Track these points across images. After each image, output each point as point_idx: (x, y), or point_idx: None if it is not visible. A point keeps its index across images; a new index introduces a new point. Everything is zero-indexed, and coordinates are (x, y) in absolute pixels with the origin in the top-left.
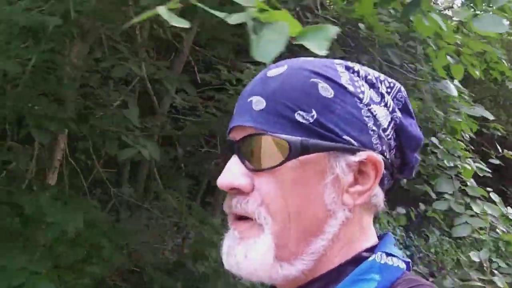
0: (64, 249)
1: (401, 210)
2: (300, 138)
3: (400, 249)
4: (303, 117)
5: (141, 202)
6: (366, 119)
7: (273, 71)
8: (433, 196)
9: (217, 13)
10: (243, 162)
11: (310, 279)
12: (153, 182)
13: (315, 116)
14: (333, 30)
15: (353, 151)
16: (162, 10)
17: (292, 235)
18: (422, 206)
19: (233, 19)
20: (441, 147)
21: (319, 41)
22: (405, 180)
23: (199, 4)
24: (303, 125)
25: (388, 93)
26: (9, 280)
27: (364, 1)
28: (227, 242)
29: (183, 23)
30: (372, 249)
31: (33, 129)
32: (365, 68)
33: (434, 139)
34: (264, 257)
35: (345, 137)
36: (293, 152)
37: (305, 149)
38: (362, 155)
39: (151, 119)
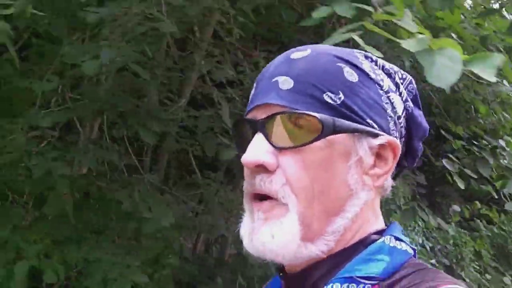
0: (149, 243)
1: (456, 208)
2: (331, 117)
3: (422, 240)
4: (331, 98)
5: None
6: (385, 105)
7: (297, 54)
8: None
9: (397, 40)
10: (268, 140)
11: (324, 256)
12: (173, 171)
13: (342, 98)
14: (499, 59)
15: (375, 135)
16: (357, 38)
17: (315, 214)
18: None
19: (411, 46)
20: (508, 149)
21: (487, 68)
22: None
23: (377, 30)
24: (331, 106)
25: (402, 83)
26: (104, 273)
27: (456, 12)
28: (249, 223)
29: (375, 52)
30: (380, 233)
31: (140, 129)
32: (381, 59)
33: (501, 142)
34: (292, 237)
35: (368, 120)
36: (325, 130)
37: (336, 129)
38: (383, 139)
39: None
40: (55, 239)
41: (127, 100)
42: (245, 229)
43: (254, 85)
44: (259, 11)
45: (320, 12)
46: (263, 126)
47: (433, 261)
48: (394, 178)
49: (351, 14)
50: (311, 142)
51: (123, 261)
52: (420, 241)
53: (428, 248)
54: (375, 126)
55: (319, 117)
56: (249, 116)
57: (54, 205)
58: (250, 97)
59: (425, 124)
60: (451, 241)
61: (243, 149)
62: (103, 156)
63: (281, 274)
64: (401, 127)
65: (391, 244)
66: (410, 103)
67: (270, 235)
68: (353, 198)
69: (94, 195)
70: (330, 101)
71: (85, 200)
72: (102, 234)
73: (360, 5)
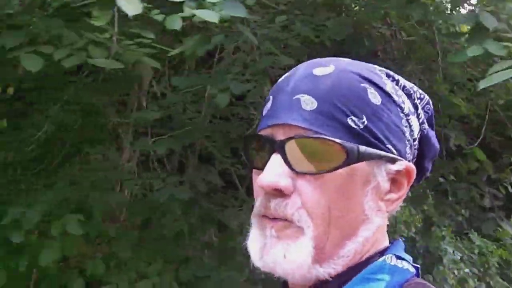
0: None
1: None
2: (356, 145)
3: (453, 250)
4: (355, 123)
5: None
6: (405, 129)
7: (320, 70)
8: None
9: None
10: (288, 164)
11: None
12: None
13: (365, 123)
14: None
15: (394, 160)
16: None
17: (330, 239)
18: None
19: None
20: None
21: None
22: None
23: None
24: (354, 131)
25: (419, 104)
26: None
27: None
28: (260, 239)
29: None
30: (382, 252)
31: None
32: (400, 77)
33: None
34: (304, 259)
35: (388, 146)
36: (350, 159)
37: (360, 157)
38: (401, 165)
39: None
40: (167, 259)
41: (239, 128)
42: (254, 244)
43: (270, 97)
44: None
45: (473, 51)
46: (282, 148)
47: (467, 270)
48: None
49: (504, 52)
50: (335, 169)
51: (229, 277)
52: (451, 251)
53: (458, 258)
54: (394, 151)
55: (344, 145)
56: (266, 133)
57: (172, 226)
58: (266, 111)
59: (437, 144)
60: (476, 251)
61: (252, 164)
62: (208, 179)
63: None
64: (415, 149)
65: (392, 263)
66: (425, 125)
67: (283, 254)
68: (367, 223)
69: (197, 215)
70: (353, 125)
71: (191, 219)
72: (205, 251)
73: (509, 44)
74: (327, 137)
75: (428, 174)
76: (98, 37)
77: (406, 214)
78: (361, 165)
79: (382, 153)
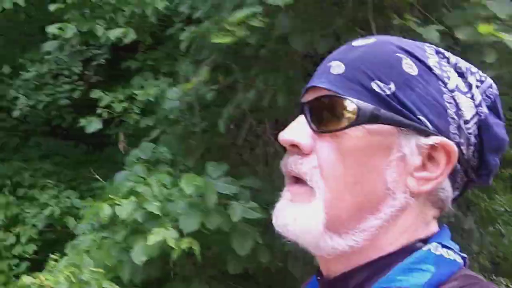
0: None
1: None
2: (371, 105)
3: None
4: (380, 88)
5: None
6: (448, 105)
7: (360, 41)
8: None
9: None
10: (308, 123)
11: (359, 263)
12: None
13: (392, 89)
14: None
15: (426, 133)
16: None
17: (345, 206)
18: None
19: None
20: None
21: None
22: None
23: None
24: (379, 96)
25: (478, 86)
26: None
27: None
28: (279, 203)
29: None
30: (426, 240)
31: None
32: (457, 57)
33: None
34: (313, 223)
35: (420, 117)
36: (361, 117)
37: (374, 118)
38: (435, 139)
39: None
40: None
41: None
42: (276, 207)
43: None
44: None
45: None
46: (306, 108)
47: None
48: (461, 193)
49: None
50: (345, 128)
51: None
52: None
53: None
54: (428, 124)
55: (355, 103)
56: (304, 98)
57: None
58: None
59: (502, 135)
60: None
61: None
62: None
63: (318, 278)
64: (469, 133)
65: (437, 253)
66: (484, 109)
67: (293, 217)
68: (390, 198)
69: None
70: (378, 90)
71: None
72: None
73: None
74: (341, 96)
75: (493, 170)
76: None
77: None
78: (382, 130)
79: (406, 121)
